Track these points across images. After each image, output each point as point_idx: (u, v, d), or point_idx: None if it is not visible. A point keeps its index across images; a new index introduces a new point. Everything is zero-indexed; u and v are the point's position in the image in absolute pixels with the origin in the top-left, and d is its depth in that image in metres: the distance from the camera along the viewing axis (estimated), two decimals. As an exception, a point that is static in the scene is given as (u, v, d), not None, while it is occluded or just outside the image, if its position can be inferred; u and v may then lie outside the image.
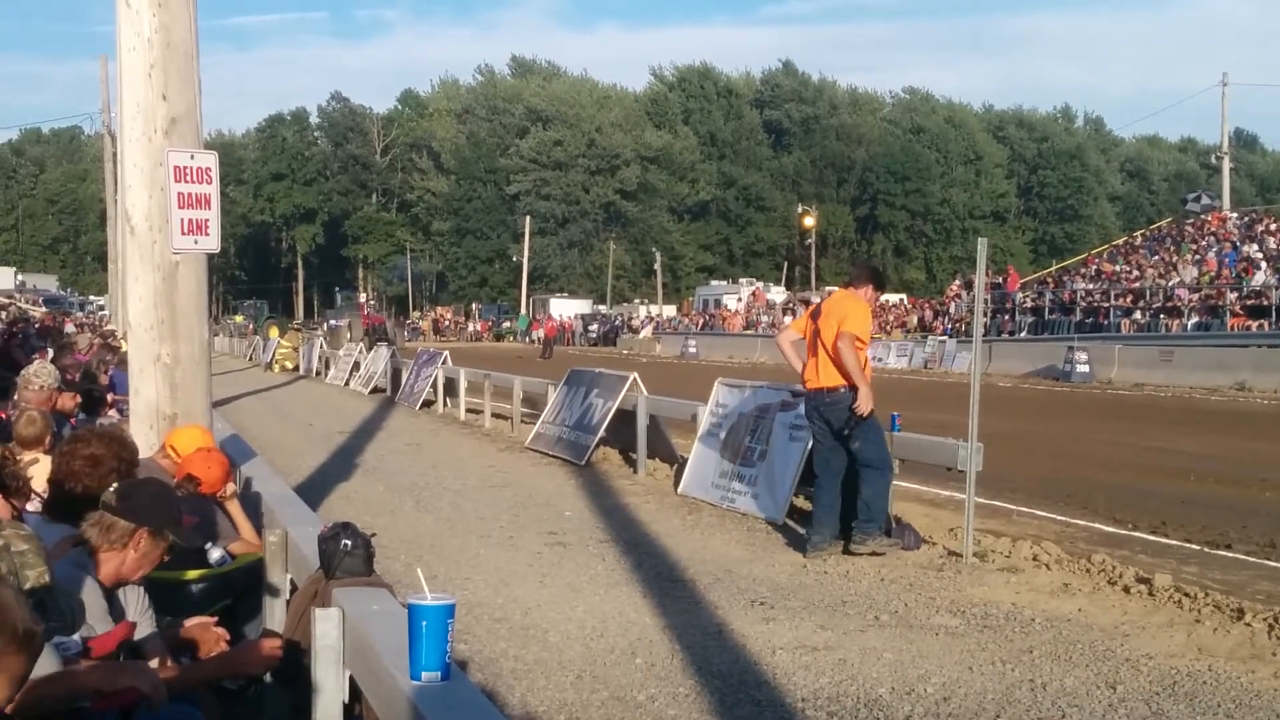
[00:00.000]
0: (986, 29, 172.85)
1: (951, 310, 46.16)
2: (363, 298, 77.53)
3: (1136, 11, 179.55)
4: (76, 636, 3.07)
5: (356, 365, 29.29)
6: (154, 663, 3.43)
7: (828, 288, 72.00)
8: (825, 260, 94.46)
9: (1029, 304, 42.41)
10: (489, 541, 9.08)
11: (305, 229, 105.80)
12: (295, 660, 3.63)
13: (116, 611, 3.51)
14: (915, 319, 48.75)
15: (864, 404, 8.00)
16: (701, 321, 62.49)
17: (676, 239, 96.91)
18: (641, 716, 5.12)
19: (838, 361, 8.14)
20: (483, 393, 19.00)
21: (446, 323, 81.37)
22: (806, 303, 58.82)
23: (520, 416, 17.30)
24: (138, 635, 3.53)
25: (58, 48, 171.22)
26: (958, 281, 52.69)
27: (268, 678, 3.82)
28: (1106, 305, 38.26)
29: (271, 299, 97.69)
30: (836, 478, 8.33)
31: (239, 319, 75.60)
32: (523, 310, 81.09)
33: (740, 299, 64.37)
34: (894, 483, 8.88)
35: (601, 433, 13.52)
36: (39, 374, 8.22)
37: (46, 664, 2.79)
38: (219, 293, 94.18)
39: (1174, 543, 9.22)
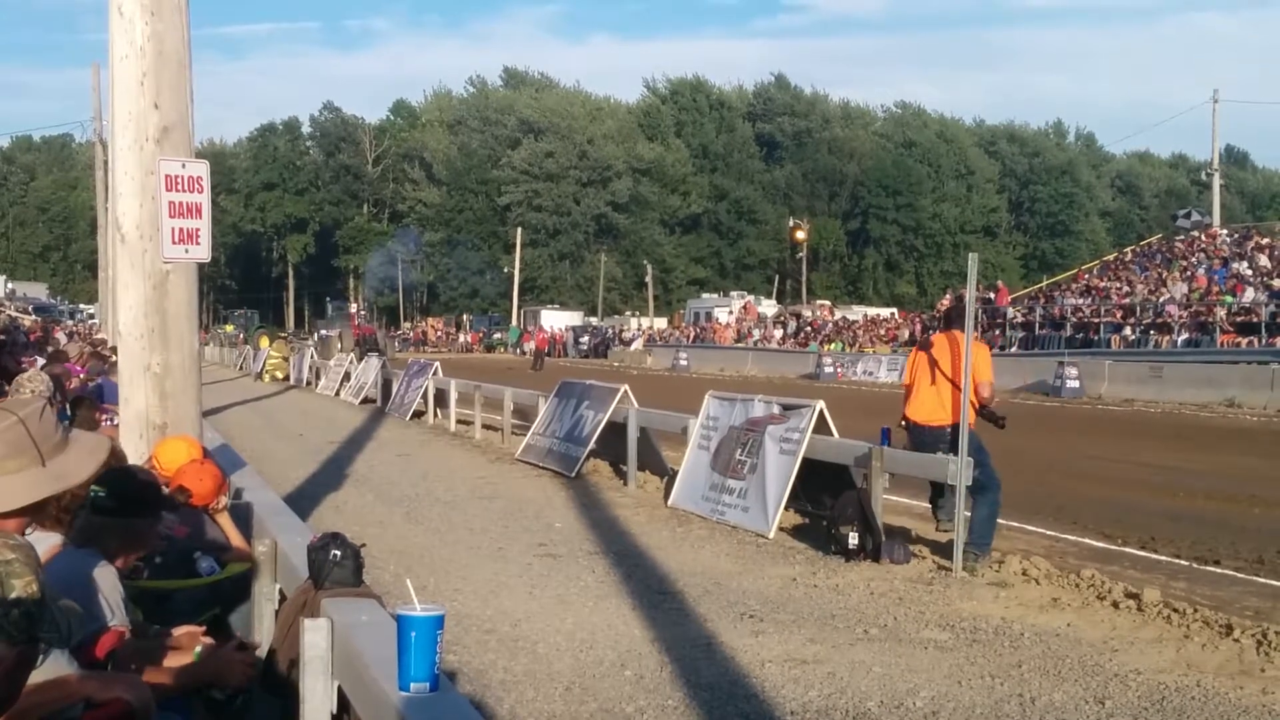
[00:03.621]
0: (978, 44, 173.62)
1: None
2: (353, 308, 77.33)
3: (1128, 28, 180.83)
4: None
5: (347, 375, 29.29)
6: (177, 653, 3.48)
7: (819, 301, 72.38)
8: (816, 274, 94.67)
9: (1019, 319, 42.48)
10: (479, 553, 9.06)
11: (296, 239, 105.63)
12: (281, 671, 3.63)
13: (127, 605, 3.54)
14: (906, 333, 48.82)
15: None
16: (693, 334, 62.51)
17: (668, 251, 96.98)
18: (630, 729, 5.11)
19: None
20: (473, 404, 18.99)
21: (438, 333, 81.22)
22: (798, 316, 59.10)
23: (511, 428, 17.29)
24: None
25: (49, 56, 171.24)
26: (948, 296, 52.78)
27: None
28: (1097, 321, 38.37)
29: (262, 309, 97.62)
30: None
31: (229, 328, 75.49)
32: (514, 322, 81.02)
33: (731, 312, 64.44)
34: (884, 497, 8.90)
35: (592, 445, 13.52)
36: (31, 380, 8.21)
37: (62, 665, 2.78)
38: (209, 302, 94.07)
39: (1163, 558, 9.23)
